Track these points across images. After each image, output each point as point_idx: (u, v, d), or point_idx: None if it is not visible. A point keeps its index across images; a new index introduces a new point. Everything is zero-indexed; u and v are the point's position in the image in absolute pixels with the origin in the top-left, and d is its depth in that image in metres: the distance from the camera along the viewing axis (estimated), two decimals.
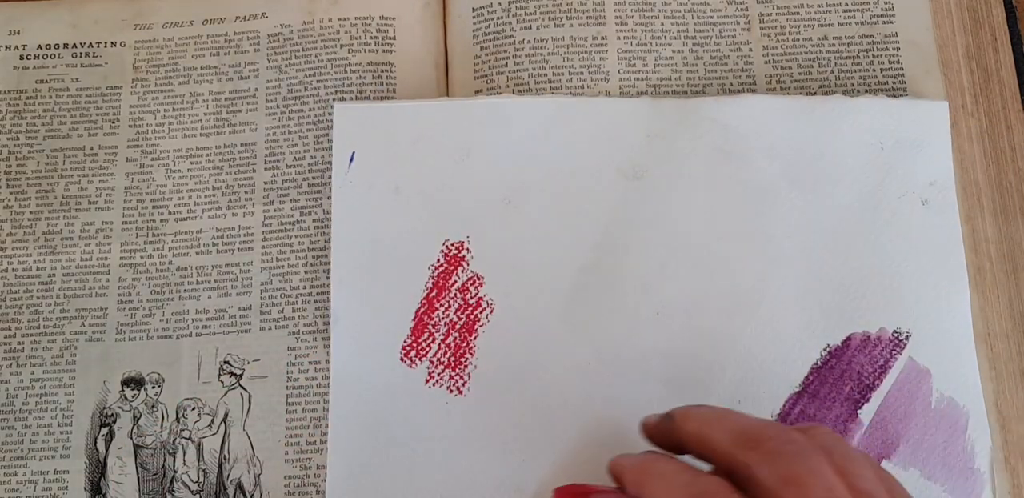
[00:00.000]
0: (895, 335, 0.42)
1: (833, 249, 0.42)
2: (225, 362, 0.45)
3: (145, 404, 0.44)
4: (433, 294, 0.43)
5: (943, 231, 0.43)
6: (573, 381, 0.42)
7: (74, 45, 0.50)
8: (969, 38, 0.48)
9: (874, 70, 0.47)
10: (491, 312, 0.43)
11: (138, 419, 0.44)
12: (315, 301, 0.45)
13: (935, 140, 0.44)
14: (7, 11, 0.51)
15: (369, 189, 0.44)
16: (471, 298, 0.43)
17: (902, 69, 0.47)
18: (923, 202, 0.43)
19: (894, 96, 0.46)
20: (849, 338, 0.42)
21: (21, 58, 0.50)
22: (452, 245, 0.43)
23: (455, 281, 0.43)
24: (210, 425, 0.44)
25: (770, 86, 0.47)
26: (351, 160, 0.44)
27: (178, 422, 0.44)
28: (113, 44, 0.50)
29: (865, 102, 0.44)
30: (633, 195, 0.43)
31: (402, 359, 0.42)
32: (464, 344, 0.42)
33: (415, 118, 0.45)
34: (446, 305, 0.43)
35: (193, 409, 0.44)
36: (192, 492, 0.43)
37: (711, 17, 0.49)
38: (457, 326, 0.43)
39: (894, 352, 0.41)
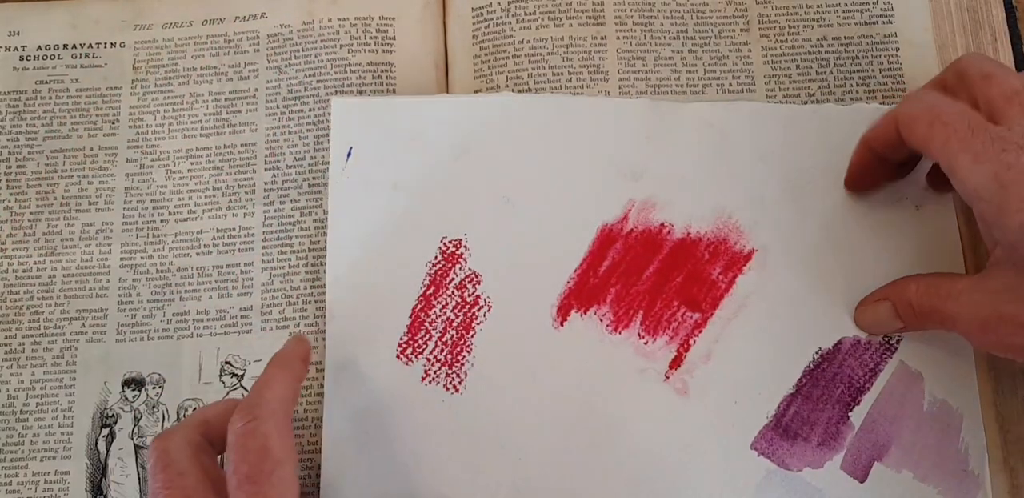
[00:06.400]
0: (885, 339, 0.42)
1: (826, 253, 0.43)
2: (226, 362, 0.45)
3: (146, 405, 0.45)
4: (431, 291, 0.43)
5: (937, 235, 0.43)
6: (570, 379, 0.42)
7: (74, 46, 0.50)
8: (969, 38, 0.48)
9: (873, 71, 0.47)
10: (489, 310, 0.43)
11: (139, 420, 0.44)
12: (316, 301, 0.45)
13: None
14: (7, 12, 0.51)
15: (366, 185, 0.44)
16: (469, 296, 0.43)
17: (901, 69, 0.47)
18: (917, 207, 0.43)
19: (892, 98, 0.46)
20: (840, 342, 0.42)
21: (21, 59, 0.50)
22: (450, 242, 0.43)
23: (453, 279, 0.43)
24: None
25: (769, 87, 0.47)
26: (348, 155, 0.44)
27: (179, 423, 0.44)
28: (113, 45, 0.50)
29: (855, 110, 0.44)
30: (631, 195, 0.43)
31: (398, 356, 0.42)
32: (461, 342, 0.42)
33: (413, 114, 0.45)
34: (443, 303, 0.43)
35: (194, 410, 0.44)
36: None
37: (710, 17, 0.49)
38: (454, 324, 0.42)
39: (884, 356, 0.41)
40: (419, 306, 0.43)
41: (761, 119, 0.44)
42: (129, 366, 0.45)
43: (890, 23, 0.48)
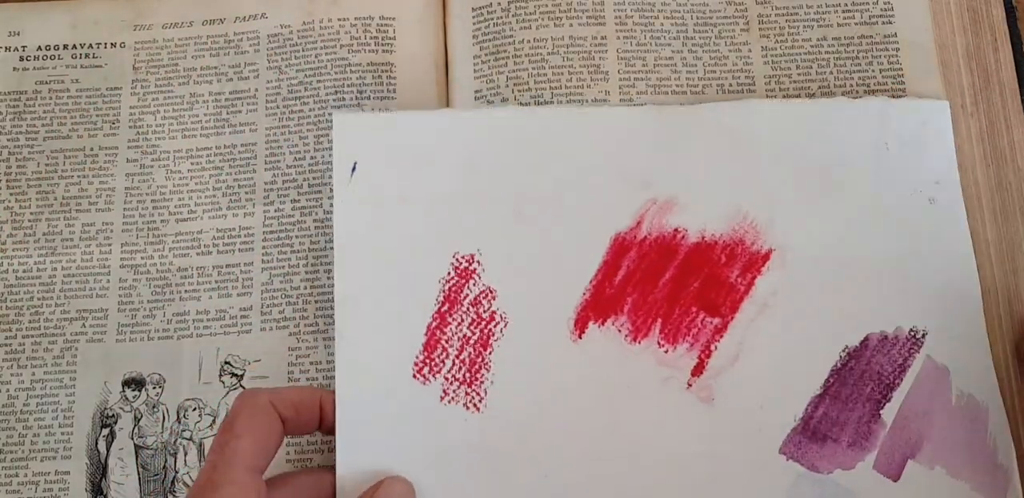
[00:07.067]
0: (912, 334, 0.41)
1: (845, 250, 0.42)
2: (226, 363, 0.45)
3: (146, 405, 0.45)
4: (445, 308, 0.42)
5: (951, 228, 0.43)
6: (592, 391, 0.41)
7: (74, 46, 0.50)
8: (969, 38, 0.48)
9: (873, 71, 0.47)
10: (505, 326, 0.42)
11: (139, 420, 0.44)
12: (316, 301, 0.45)
13: (938, 139, 0.44)
14: (7, 12, 0.51)
15: (373, 199, 0.43)
16: (484, 312, 0.42)
17: (901, 70, 0.47)
18: (930, 200, 0.43)
19: (894, 96, 0.46)
20: (867, 338, 0.41)
21: (21, 59, 0.50)
22: (462, 258, 0.42)
23: (467, 295, 0.42)
24: (211, 426, 0.44)
25: (769, 87, 0.47)
26: (353, 170, 0.43)
27: (179, 423, 0.44)
28: (113, 45, 0.50)
29: (867, 103, 0.44)
30: (642, 202, 0.43)
31: (415, 376, 0.41)
32: (479, 359, 0.41)
33: (417, 129, 0.44)
34: (459, 319, 0.42)
35: (194, 410, 0.44)
36: None
37: (710, 17, 0.49)
38: (471, 341, 0.41)
39: (912, 351, 0.41)
40: (434, 324, 0.42)
41: (770, 116, 0.44)
42: (129, 366, 0.45)
43: (890, 23, 0.48)
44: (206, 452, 0.44)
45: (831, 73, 0.47)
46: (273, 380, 0.44)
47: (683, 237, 0.43)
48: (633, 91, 0.47)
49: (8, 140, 0.48)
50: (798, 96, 0.47)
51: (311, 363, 0.44)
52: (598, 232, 0.43)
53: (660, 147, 0.44)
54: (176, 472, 0.44)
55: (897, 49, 0.48)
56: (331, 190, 0.46)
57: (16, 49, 0.50)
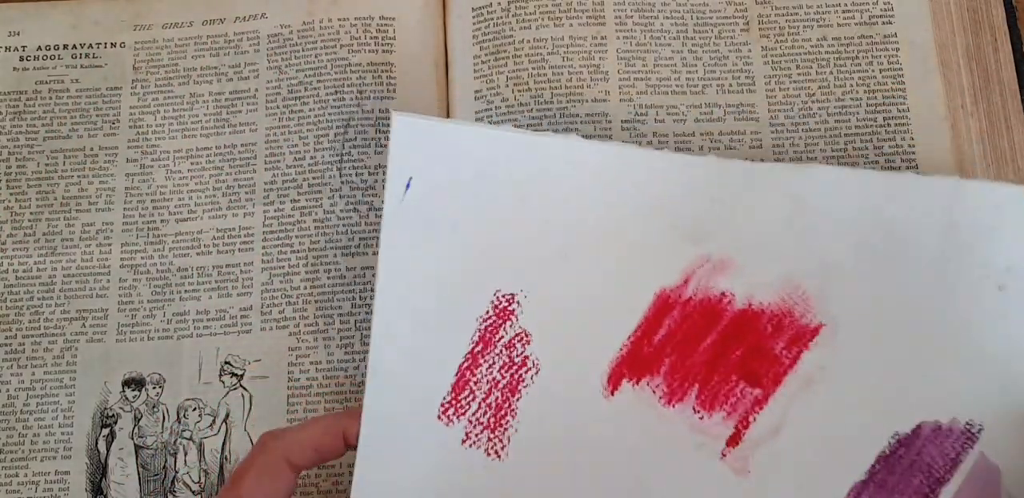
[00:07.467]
0: (967, 427, 0.39)
1: (902, 331, 0.40)
2: (226, 362, 0.45)
3: (146, 405, 0.45)
4: (479, 349, 0.40)
5: (1020, 320, 0.40)
6: (619, 452, 0.39)
7: (74, 46, 0.50)
8: (969, 38, 0.48)
9: (873, 71, 0.47)
10: (536, 373, 0.40)
11: (139, 420, 0.44)
12: (316, 301, 0.45)
13: (1013, 225, 0.40)
14: (7, 12, 0.51)
15: (424, 224, 0.40)
16: (517, 356, 0.40)
17: (901, 70, 0.47)
18: (1000, 288, 0.40)
19: (892, 98, 0.46)
20: (919, 427, 0.39)
21: (21, 59, 0.50)
22: (503, 297, 0.40)
23: (502, 336, 0.40)
24: (211, 425, 0.44)
25: (769, 87, 0.47)
26: (407, 187, 0.40)
27: (179, 423, 0.44)
28: (113, 45, 0.50)
29: (938, 181, 0.41)
30: (692, 259, 0.41)
31: (440, 417, 0.39)
32: (506, 405, 0.39)
33: (479, 147, 0.41)
34: (491, 362, 0.40)
35: (194, 410, 0.44)
36: (193, 493, 0.43)
37: (710, 17, 0.49)
38: (500, 385, 0.40)
39: (966, 446, 0.39)
40: (465, 364, 0.40)
41: (834, 185, 0.41)
42: (129, 366, 0.45)
43: (890, 23, 0.48)
44: (206, 452, 0.44)
45: (831, 73, 0.47)
46: (273, 380, 0.44)
47: (729, 302, 0.40)
48: (633, 91, 0.47)
49: (8, 140, 0.48)
50: (798, 96, 0.47)
51: (311, 363, 0.44)
52: (643, 285, 0.40)
53: (717, 202, 0.41)
54: (176, 472, 0.44)
55: (897, 49, 0.48)
56: (331, 190, 0.47)
57: (16, 49, 0.50)
